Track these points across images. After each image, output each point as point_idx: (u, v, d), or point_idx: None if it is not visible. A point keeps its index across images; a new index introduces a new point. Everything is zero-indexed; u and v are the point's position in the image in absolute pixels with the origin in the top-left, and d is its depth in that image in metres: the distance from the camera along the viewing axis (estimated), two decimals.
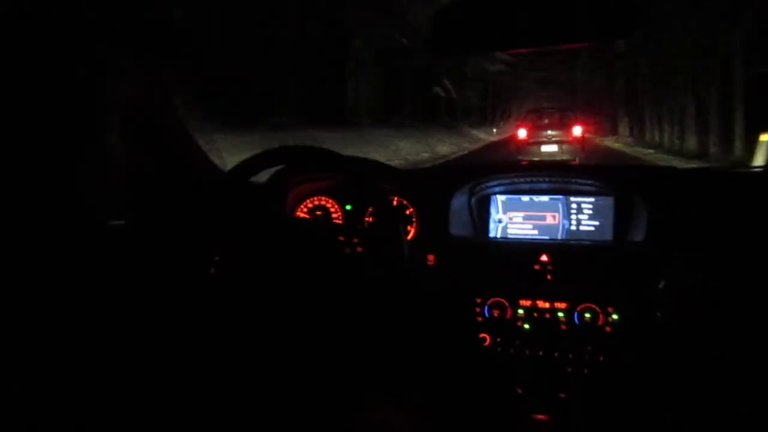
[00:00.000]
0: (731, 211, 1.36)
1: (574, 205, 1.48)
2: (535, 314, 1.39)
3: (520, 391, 1.36)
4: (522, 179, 1.54)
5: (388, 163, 1.71)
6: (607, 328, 1.34)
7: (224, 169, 1.58)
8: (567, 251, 1.43)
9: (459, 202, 1.52)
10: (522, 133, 13.21)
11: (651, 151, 18.02)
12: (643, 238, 1.37)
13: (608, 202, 1.46)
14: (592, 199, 1.47)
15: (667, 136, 18.88)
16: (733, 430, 1.29)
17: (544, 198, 1.51)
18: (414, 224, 1.55)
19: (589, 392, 1.34)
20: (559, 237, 1.49)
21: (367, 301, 1.33)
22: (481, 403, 1.40)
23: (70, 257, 1.11)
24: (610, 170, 1.51)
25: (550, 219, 1.50)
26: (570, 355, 1.35)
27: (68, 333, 1.10)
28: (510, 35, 1.09)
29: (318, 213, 1.61)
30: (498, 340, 1.40)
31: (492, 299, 1.41)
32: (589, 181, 1.48)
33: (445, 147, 17.82)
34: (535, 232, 1.50)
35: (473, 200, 1.55)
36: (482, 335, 1.41)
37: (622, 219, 1.44)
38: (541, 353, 1.37)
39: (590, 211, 1.47)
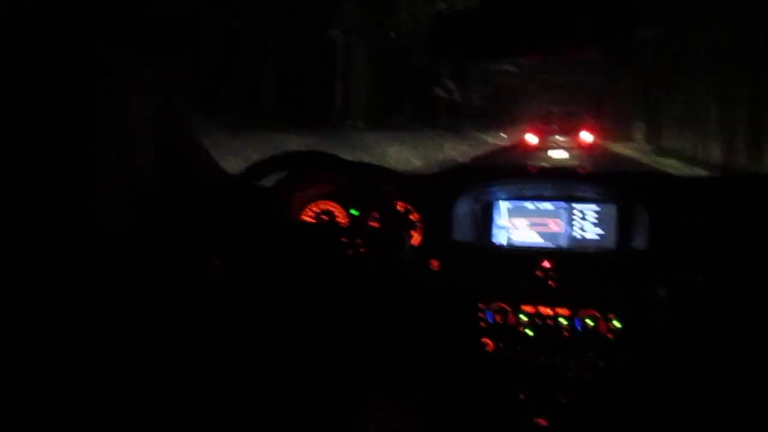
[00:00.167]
0: (734, 218, 1.37)
1: (577, 212, 1.49)
2: (538, 320, 1.40)
3: (521, 395, 1.38)
4: (526, 185, 1.55)
5: None
6: (609, 335, 1.35)
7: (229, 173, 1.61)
8: (570, 258, 1.45)
9: (463, 207, 1.54)
10: (530, 138, 13.19)
11: (672, 161, 15.61)
12: (646, 246, 1.38)
13: (611, 209, 1.46)
14: (595, 207, 1.48)
15: (687, 142, 17.07)
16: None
17: (548, 205, 1.52)
18: (419, 229, 1.56)
19: (590, 398, 1.35)
20: (563, 244, 1.50)
21: (368, 303, 1.35)
22: (481, 406, 1.41)
23: (72, 258, 1.11)
24: (614, 177, 1.52)
25: (554, 226, 1.51)
26: (572, 361, 1.36)
27: (69, 333, 1.11)
28: (511, 41, 1.10)
29: (324, 217, 1.63)
30: (500, 345, 1.41)
31: (495, 305, 1.43)
32: (593, 189, 1.49)
33: (441, 153, 16.30)
34: (539, 238, 1.52)
35: (477, 206, 1.56)
36: (485, 340, 1.42)
37: (625, 226, 1.45)
38: (542, 358, 1.38)
39: (594, 219, 1.48)
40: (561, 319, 1.39)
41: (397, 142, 14.59)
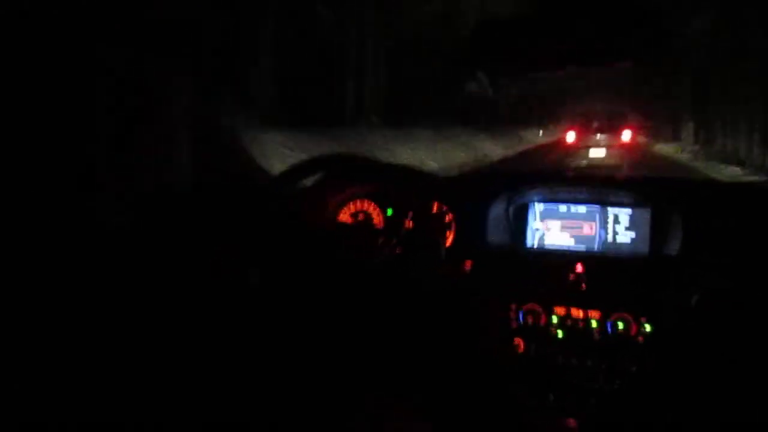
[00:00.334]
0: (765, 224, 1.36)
1: (610, 216, 1.50)
2: (569, 322, 1.42)
3: (551, 396, 1.40)
4: (560, 188, 1.57)
5: None
6: (640, 338, 1.36)
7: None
8: (602, 262, 1.46)
9: (497, 209, 1.56)
10: (570, 137, 13.00)
11: (737, 169, 12.95)
12: (679, 251, 1.38)
13: (645, 213, 1.47)
14: (629, 210, 1.49)
15: (744, 147, 14.61)
16: None
17: (582, 208, 1.53)
18: (453, 230, 1.59)
19: (619, 401, 1.36)
20: (596, 247, 1.51)
21: (403, 303, 1.39)
22: (510, 406, 1.44)
23: (72, 258, 1.12)
24: (648, 182, 1.52)
25: (587, 229, 1.52)
26: (602, 364, 1.38)
27: (70, 333, 1.12)
28: (542, 55, 1.13)
29: (360, 216, 1.68)
30: (531, 345, 1.44)
31: (526, 306, 1.45)
32: (627, 192, 1.49)
33: (463, 154, 14.54)
34: (572, 241, 1.53)
35: (511, 208, 1.59)
36: (516, 341, 1.45)
37: (658, 231, 1.45)
38: (573, 360, 1.40)
39: (627, 223, 1.49)
40: (592, 322, 1.40)
41: (413, 143, 13.25)
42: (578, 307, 1.42)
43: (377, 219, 1.67)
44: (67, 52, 1.09)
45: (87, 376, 1.13)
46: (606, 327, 1.39)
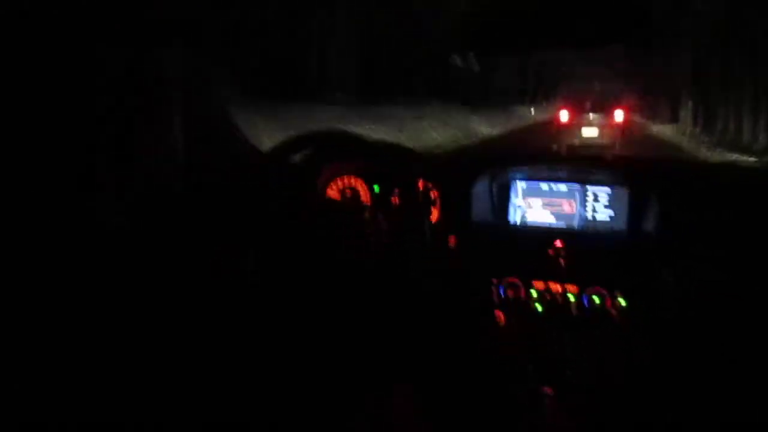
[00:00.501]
0: (745, 207, 1.41)
1: (590, 195, 1.55)
2: (548, 296, 1.48)
3: (530, 366, 1.46)
4: (542, 167, 1.61)
5: None
6: (614, 312, 1.42)
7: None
8: (581, 238, 1.51)
9: (481, 187, 1.61)
10: (563, 115, 13.00)
11: (736, 155, 12.03)
12: (654, 230, 1.44)
13: (623, 193, 1.52)
14: (608, 190, 1.54)
15: (749, 131, 13.69)
16: (730, 421, 1.34)
17: (563, 186, 1.58)
18: (438, 207, 1.64)
19: (595, 370, 1.43)
20: (575, 224, 1.56)
21: (388, 277, 1.44)
22: (491, 376, 1.50)
23: (72, 257, 1.12)
24: (625, 162, 1.57)
25: (567, 207, 1.57)
26: (579, 335, 1.44)
27: (70, 333, 1.12)
28: (528, 35, 1.15)
29: (348, 192, 1.72)
30: (512, 318, 1.50)
31: (507, 280, 1.51)
32: (606, 172, 1.54)
33: (437, 134, 13.24)
34: (552, 218, 1.58)
35: (494, 185, 1.63)
36: (497, 313, 1.51)
37: (636, 210, 1.50)
38: (551, 332, 1.46)
39: (606, 201, 1.54)
40: (569, 296, 1.46)
41: (378, 124, 11.76)
42: (557, 281, 1.48)
43: (364, 195, 1.71)
44: (63, 50, 1.09)
45: (87, 376, 1.15)
46: (583, 301, 1.45)
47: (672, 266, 1.40)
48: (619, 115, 12.46)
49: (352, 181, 1.71)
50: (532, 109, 25.32)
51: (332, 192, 1.72)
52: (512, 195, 1.62)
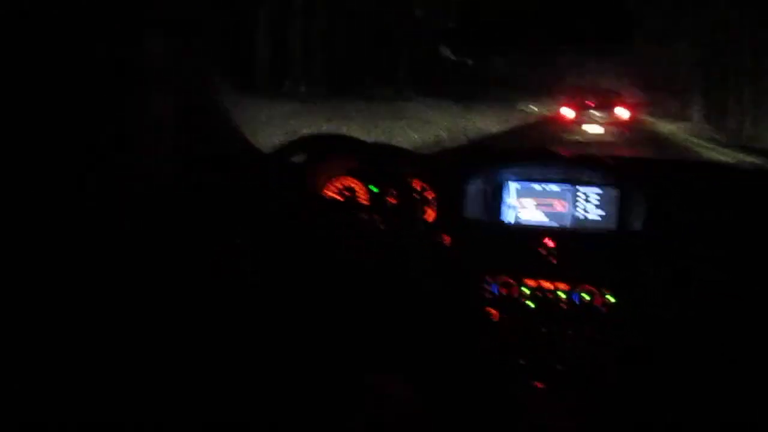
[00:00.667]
0: (730, 205, 1.45)
1: (581, 195, 1.59)
2: (539, 293, 1.52)
3: (522, 361, 1.51)
4: (535, 167, 1.65)
5: None
6: (604, 309, 1.47)
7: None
8: (572, 237, 1.55)
9: (475, 187, 1.65)
10: (566, 112, 12.98)
11: (743, 154, 10.37)
12: (642, 229, 1.48)
13: (613, 193, 1.56)
14: (598, 190, 1.58)
15: (765, 128, 13.00)
16: (721, 417, 1.38)
17: (555, 186, 1.62)
18: (433, 206, 1.68)
19: (585, 365, 1.47)
20: (566, 224, 1.60)
21: (384, 274, 1.48)
22: (484, 372, 1.54)
23: (72, 257, 1.13)
24: (615, 162, 1.61)
25: (559, 207, 1.61)
26: (569, 331, 1.49)
27: (70, 333, 1.13)
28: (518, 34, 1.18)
29: (346, 193, 1.76)
30: (504, 315, 1.54)
31: (500, 278, 1.55)
32: (596, 172, 1.58)
33: (416, 135, 11.24)
34: (544, 218, 1.62)
35: (488, 186, 1.67)
36: (490, 310, 1.55)
37: (625, 210, 1.54)
38: (543, 329, 1.51)
39: (596, 201, 1.58)
40: (560, 293, 1.51)
41: (337, 119, 9.96)
42: (548, 279, 1.52)
43: (362, 196, 1.75)
44: (54, 48, 1.10)
45: (86, 376, 1.16)
46: (573, 298, 1.49)
47: (658, 264, 1.44)
48: (622, 112, 12.41)
49: (349, 182, 1.75)
50: (533, 106, 24.64)
51: (330, 192, 1.76)
52: (506, 195, 1.66)
